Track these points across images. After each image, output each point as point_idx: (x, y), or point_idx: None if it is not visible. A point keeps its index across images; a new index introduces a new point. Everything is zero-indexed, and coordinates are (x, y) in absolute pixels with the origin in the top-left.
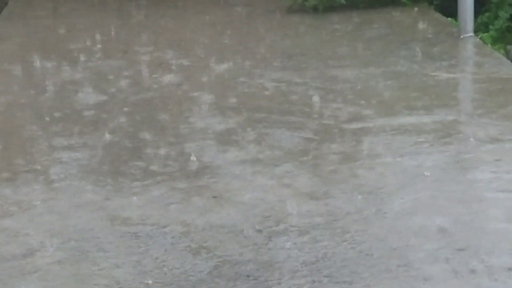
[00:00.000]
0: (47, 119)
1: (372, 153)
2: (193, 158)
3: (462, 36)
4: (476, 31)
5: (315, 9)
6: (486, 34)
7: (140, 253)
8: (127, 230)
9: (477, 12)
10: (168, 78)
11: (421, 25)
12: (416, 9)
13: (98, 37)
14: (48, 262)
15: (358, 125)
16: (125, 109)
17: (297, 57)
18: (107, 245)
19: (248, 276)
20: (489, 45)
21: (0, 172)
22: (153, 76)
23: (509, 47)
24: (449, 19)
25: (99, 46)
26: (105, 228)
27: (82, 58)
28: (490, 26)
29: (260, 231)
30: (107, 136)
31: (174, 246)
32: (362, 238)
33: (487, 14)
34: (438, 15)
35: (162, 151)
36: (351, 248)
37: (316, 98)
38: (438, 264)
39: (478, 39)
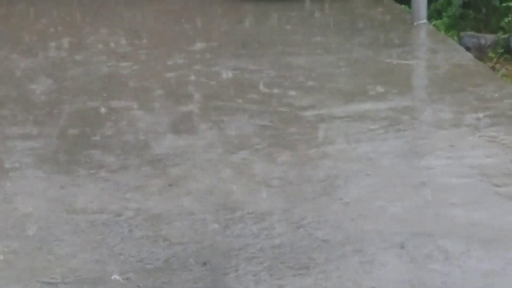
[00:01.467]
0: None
1: (328, 140)
2: (148, 145)
3: (415, 23)
4: (429, 18)
5: None
6: (439, 21)
7: (97, 242)
8: (83, 219)
9: None
10: (122, 66)
11: (375, 12)
12: None
13: (50, 26)
14: (3, 252)
15: (313, 112)
16: (79, 97)
17: (252, 44)
18: (63, 235)
19: (204, 263)
20: (443, 32)
21: None
22: (107, 64)
23: (462, 33)
24: (402, 6)
25: (51, 34)
26: (61, 217)
27: (35, 47)
28: (443, 13)
29: (216, 218)
30: (61, 125)
31: (131, 234)
32: (318, 225)
33: (440, 1)
34: (391, 2)
35: (117, 140)
36: (307, 234)
37: (271, 86)
38: (393, 250)
39: (431, 26)
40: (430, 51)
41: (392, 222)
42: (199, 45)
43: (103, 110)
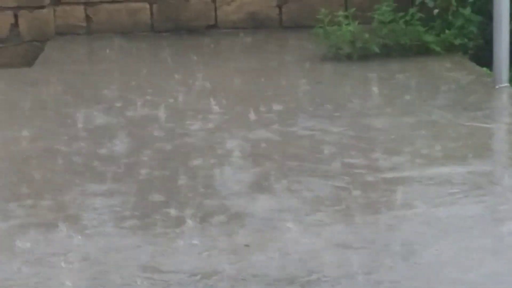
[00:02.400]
0: (80, 165)
1: (406, 203)
2: (224, 205)
3: (497, 86)
4: (510, 81)
5: (349, 58)
6: None
7: None
8: (158, 278)
9: None
10: (200, 125)
11: (455, 75)
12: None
13: (131, 84)
14: None
15: (392, 174)
16: (157, 156)
17: (330, 105)
18: None
19: None
20: None
21: (33, 219)
22: (186, 123)
23: None
24: (484, 68)
25: (131, 92)
26: (136, 276)
27: (114, 104)
28: None
29: (292, 281)
30: (138, 183)
31: None
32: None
33: None
34: (472, 65)
35: (195, 199)
36: None
37: (348, 147)
38: None
39: None
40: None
41: None
42: (277, 105)
43: (180, 169)
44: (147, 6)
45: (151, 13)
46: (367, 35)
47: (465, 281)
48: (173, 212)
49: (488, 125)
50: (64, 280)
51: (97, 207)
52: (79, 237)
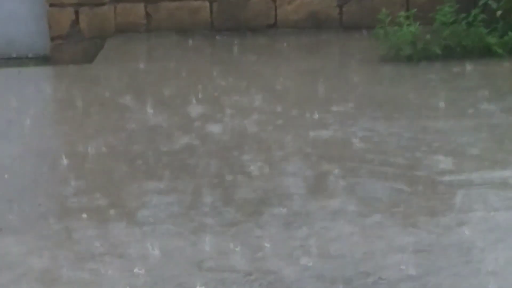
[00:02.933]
0: (137, 162)
1: (465, 207)
2: (282, 204)
3: None
4: None
5: (409, 59)
6: None
7: None
8: (213, 276)
9: None
10: (259, 123)
11: None
12: None
13: (190, 81)
14: None
15: (451, 177)
16: (215, 154)
17: (389, 106)
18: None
19: None
20: None
21: (90, 215)
22: (244, 121)
23: None
24: None
25: (190, 90)
26: (192, 274)
27: (173, 102)
28: None
29: (349, 283)
30: (195, 181)
31: None
32: None
33: None
34: None
35: (252, 197)
36: None
37: (407, 149)
38: None
39: None
40: None
41: None
42: (336, 106)
43: (237, 166)
44: (207, 4)
45: (211, 12)
46: (428, 36)
47: None
48: (230, 210)
49: None
50: (120, 276)
51: (155, 204)
52: (136, 233)
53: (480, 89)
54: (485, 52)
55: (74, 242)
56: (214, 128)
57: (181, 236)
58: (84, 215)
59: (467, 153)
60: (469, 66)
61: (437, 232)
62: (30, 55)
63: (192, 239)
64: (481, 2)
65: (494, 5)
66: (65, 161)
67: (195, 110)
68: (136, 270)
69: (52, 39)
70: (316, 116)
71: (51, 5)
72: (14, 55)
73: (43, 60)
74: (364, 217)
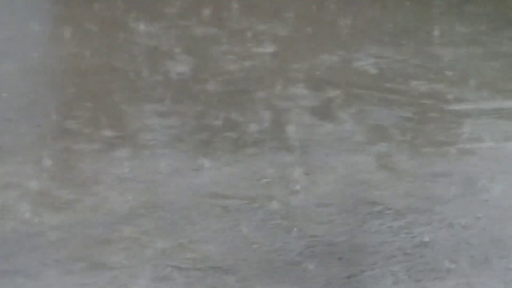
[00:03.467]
0: (139, 84)
1: (473, 136)
2: (285, 131)
3: None
4: None
5: None
6: None
7: (229, 229)
8: (216, 202)
9: None
10: (262, 49)
11: None
12: None
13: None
14: (135, 231)
15: (459, 106)
16: (220, 78)
17: (396, 32)
18: (195, 218)
19: (340, 258)
20: None
21: (90, 139)
22: (247, 45)
23: None
24: None
25: (189, 8)
26: (194, 200)
27: (175, 22)
28: None
29: (354, 212)
30: (198, 105)
31: (265, 223)
32: (460, 226)
33: None
34: None
35: (255, 124)
36: (449, 235)
37: (415, 76)
38: None
39: None
40: None
41: None
42: (340, 30)
43: (241, 91)
44: None
45: None
46: None
47: None
48: (233, 136)
49: None
50: (121, 200)
51: (156, 128)
52: (136, 158)
53: (488, 17)
54: None
55: (73, 164)
56: (217, 51)
57: (182, 161)
58: (83, 137)
59: (475, 81)
60: None
61: (442, 161)
62: None
63: (194, 164)
64: None
65: None
66: (64, 80)
67: (198, 30)
68: (136, 195)
69: None
70: (319, 39)
71: None
72: None
73: None
74: (371, 145)
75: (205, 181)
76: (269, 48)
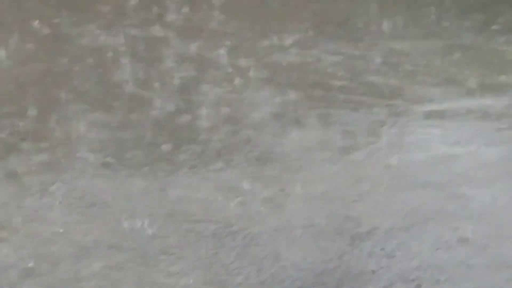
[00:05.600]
0: (84, 91)
1: (451, 139)
2: (250, 140)
3: None
4: None
5: None
6: None
7: (208, 258)
8: (190, 227)
9: None
10: (210, 46)
11: None
12: None
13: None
14: (105, 266)
15: (430, 107)
16: (169, 85)
17: (349, 25)
18: (170, 247)
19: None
20: None
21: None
22: (195, 44)
23: None
24: None
25: (133, 8)
26: (166, 225)
27: (117, 21)
28: None
29: (340, 233)
30: (154, 114)
31: (246, 250)
32: (447, 240)
33: None
34: None
35: (218, 132)
36: (444, 252)
37: (378, 74)
38: None
39: None
40: None
41: None
42: (292, 25)
43: (198, 96)
44: None
45: None
46: None
47: None
48: (196, 148)
49: None
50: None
51: (107, 143)
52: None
53: (441, 5)
54: None
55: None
56: (164, 52)
57: (145, 179)
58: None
59: (441, 78)
60: None
61: (422, 168)
62: None
63: (158, 183)
64: None
65: None
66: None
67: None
68: (99, 221)
69: None
70: (270, 36)
71: None
72: None
73: None
74: (344, 153)
75: (174, 203)
76: (219, 43)
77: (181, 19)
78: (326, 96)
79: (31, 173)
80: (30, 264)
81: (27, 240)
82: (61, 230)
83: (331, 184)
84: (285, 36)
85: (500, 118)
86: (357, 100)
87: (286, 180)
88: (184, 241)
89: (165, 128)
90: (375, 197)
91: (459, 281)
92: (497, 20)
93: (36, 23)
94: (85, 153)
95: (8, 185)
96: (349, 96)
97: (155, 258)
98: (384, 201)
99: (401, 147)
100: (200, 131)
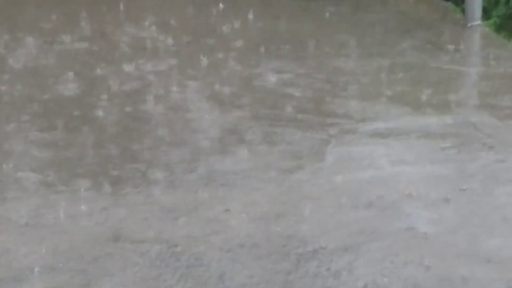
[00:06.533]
0: (25, 110)
1: (396, 159)
2: (197, 161)
3: (469, 25)
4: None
5: None
6: (489, 21)
7: (153, 280)
8: (132, 249)
9: None
10: (153, 65)
11: (422, 11)
12: None
13: (72, 16)
14: None
15: (375, 125)
16: (110, 101)
17: (294, 44)
18: (112, 268)
19: None
20: (494, 33)
21: None
22: (138, 62)
23: None
24: (449, 2)
25: (74, 26)
26: (108, 246)
27: (57, 39)
28: (493, 13)
29: (285, 253)
30: (95, 132)
31: (190, 271)
32: (393, 260)
33: None
34: (438, 0)
35: (161, 152)
36: (390, 272)
37: (322, 93)
38: None
39: (486, 28)
40: (492, 57)
41: (484, 267)
42: (235, 43)
43: (139, 116)
44: None
45: None
46: None
47: (478, 253)
48: (139, 168)
49: (468, 68)
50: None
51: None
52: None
53: (385, 25)
54: None
55: None
56: (102, 69)
57: (87, 200)
58: None
59: (386, 97)
60: None
61: (371, 189)
62: None
63: (101, 203)
64: None
65: None
66: None
67: (83, 48)
68: (40, 245)
69: None
70: (213, 54)
71: None
72: None
73: None
74: (289, 173)
75: (116, 223)
76: (158, 63)
77: (123, 33)
78: (271, 115)
79: None
80: None
81: None
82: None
83: (275, 203)
84: (228, 53)
85: (444, 137)
86: (301, 118)
87: (230, 200)
88: (127, 262)
89: (108, 147)
90: (320, 217)
91: None
92: (441, 38)
93: None
94: (25, 173)
95: None
96: (294, 114)
97: (98, 280)
98: (330, 221)
99: (346, 166)
100: (143, 150)
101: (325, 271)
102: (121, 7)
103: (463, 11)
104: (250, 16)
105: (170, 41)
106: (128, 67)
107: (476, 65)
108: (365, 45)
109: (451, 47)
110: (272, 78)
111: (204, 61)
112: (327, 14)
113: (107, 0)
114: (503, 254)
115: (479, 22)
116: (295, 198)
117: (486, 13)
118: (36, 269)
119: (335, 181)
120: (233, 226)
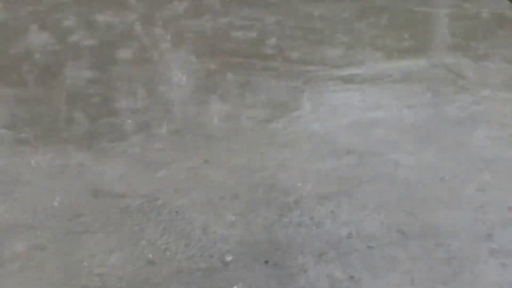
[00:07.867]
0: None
1: (372, 104)
2: (174, 114)
3: None
4: None
5: None
6: None
7: (134, 234)
8: (113, 204)
9: None
10: (122, 19)
11: None
12: None
13: None
14: (28, 246)
15: (349, 71)
16: (82, 53)
17: None
18: (94, 225)
19: (266, 262)
20: None
21: None
22: (107, 12)
23: None
24: None
25: None
26: (88, 202)
27: None
28: None
29: (267, 203)
30: (67, 87)
31: (173, 224)
32: (375, 206)
33: None
34: None
35: (136, 103)
36: (373, 219)
37: (295, 40)
38: None
39: None
40: None
41: (472, 209)
42: None
43: (111, 67)
44: None
45: None
46: None
47: (467, 193)
48: (115, 121)
49: (442, 9)
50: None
51: (22, 119)
52: (10, 155)
53: None
54: None
55: None
56: (72, 21)
57: (64, 156)
58: None
59: (359, 41)
60: None
61: (346, 134)
62: None
63: (78, 158)
64: None
65: None
66: None
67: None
68: (22, 202)
69: None
70: (180, 3)
71: None
72: None
73: None
74: (266, 122)
75: (96, 179)
76: (130, 14)
77: None
78: (245, 63)
79: None
80: None
81: None
82: None
83: (254, 153)
84: (196, 2)
85: (419, 80)
86: (275, 66)
87: (209, 151)
88: (109, 218)
89: (82, 101)
90: (300, 165)
91: (391, 248)
92: None
93: None
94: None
95: None
96: (268, 63)
97: (79, 237)
98: (310, 169)
99: (322, 114)
100: (118, 104)
101: (308, 220)
102: None
103: None
104: None
105: None
106: (93, 20)
107: (448, 6)
108: None
109: None
110: (243, 26)
111: (172, 9)
112: None
113: None
114: (483, 197)
115: None
116: (273, 147)
117: None
118: (16, 227)
119: (312, 129)
120: (213, 178)
